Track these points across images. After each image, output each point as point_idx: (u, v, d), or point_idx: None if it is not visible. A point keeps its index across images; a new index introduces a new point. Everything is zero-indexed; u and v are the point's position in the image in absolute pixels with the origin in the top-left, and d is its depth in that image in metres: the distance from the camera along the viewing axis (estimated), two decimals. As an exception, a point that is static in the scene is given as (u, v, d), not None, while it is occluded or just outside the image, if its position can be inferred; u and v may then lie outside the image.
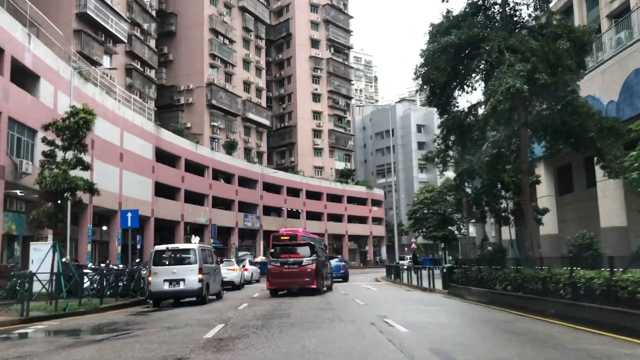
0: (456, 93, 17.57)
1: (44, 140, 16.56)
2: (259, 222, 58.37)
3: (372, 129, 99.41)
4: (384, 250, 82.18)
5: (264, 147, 69.36)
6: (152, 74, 52.15)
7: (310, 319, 12.25)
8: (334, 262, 30.87)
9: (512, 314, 13.01)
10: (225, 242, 55.88)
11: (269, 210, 61.72)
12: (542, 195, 29.00)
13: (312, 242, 22.37)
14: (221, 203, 54.57)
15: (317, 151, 76.78)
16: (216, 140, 59.48)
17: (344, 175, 75.82)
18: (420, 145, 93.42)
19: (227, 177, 55.77)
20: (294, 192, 66.17)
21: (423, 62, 15.91)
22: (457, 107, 17.91)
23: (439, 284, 23.00)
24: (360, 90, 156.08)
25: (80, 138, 16.17)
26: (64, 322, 13.30)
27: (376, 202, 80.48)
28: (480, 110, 18.33)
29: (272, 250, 21.96)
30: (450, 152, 19.39)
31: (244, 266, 30.32)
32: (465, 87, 17.39)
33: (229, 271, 26.12)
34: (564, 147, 18.66)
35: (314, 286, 20.28)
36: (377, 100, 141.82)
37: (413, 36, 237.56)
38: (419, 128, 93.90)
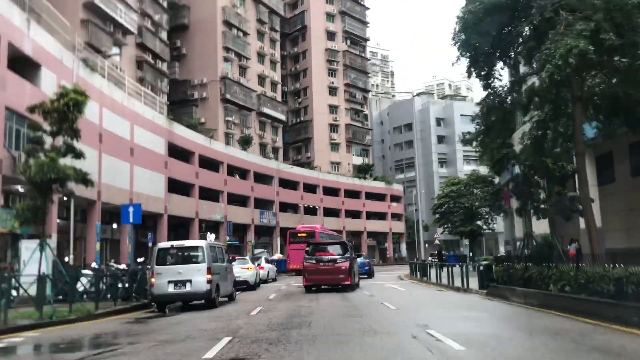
0: (499, 66, 15.23)
1: (30, 125, 14.56)
2: (275, 218, 56.37)
3: (390, 124, 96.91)
4: (403, 247, 79.73)
5: (280, 143, 67.31)
6: (164, 67, 50.32)
7: (336, 331, 10.05)
8: (359, 260, 30.68)
9: (581, 322, 10.65)
10: (241, 239, 53.95)
11: (285, 207, 59.68)
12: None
13: (345, 241, 23.43)
14: (237, 200, 52.65)
15: (334, 146, 74.54)
16: (231, 136, 57.54)
17: (361, 171, 73.51)
18: (440, 139, 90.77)
19: (243, 173, 53.80)
20: (310, 188, 64.05)
21: (461, 26, 13.64)
22: (500, 80, 15.54)
23: (473, 283, 20.69)
24: (377, 85, 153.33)
25: (71, 122, 14.14)
26: (45, 334, 11.20)
27: (395, 198, 78.03)
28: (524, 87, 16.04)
29: (307, 249, 22.41)
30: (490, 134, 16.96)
31: (259, 264, 28.24)
32: (509, 58, 15.04)
33: (243, 270, 24.03)
34: (619, 127, 16.23)
35: (348, 282, 20.99)
36: (393, 96, 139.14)
37: (428, 30, 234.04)
38: (438, 121, 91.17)
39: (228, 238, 50.71)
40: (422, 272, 30.21)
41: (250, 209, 53.62)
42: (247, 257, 25.22)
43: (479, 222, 36.54)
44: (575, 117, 14.55)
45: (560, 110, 16.20)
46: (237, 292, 21.85)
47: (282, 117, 66.66)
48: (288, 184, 60.10)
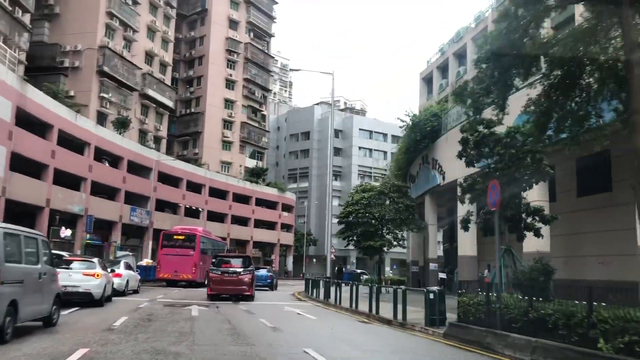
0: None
1: None
2: (149, 218, 47.90)
3: (287, 130, 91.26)
4: (290, 260, 73.76)
5: (164, 132, 58.71)
6: (26, 19, 40.52)
7: None
8: (262, 272, 33.65)
9: None
10: (104, 239, 44.86)
11: (163, 206, 51.32)
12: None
13: (248, 255, 26.07)
14: (103, 191, 43.65)
15: (226, 144, 67.13)
16: (106, 116, 48.39)
17: (254, 174, 66.75)
18: (337, 151, 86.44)
19: (114, 160, 44.94)
20: (195, 187, 56.15)
21: None
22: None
23: (414, 315, 14.90)
24: (275, 93, 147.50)
25: None
26: None
27: (287, 208, 71.99)
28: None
29: (214, 260, 23.61)
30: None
31: (113, 271, 20.54)
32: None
33: (85, 277, 16.39)
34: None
35: (249, 293, 22.23)
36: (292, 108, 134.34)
37: (328, 48, 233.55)
38: (337, 133, 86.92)
39: (88, 235, 41.70)
40: (325, 293, 24.05)
41: (119, 204, 44.78)
42: (95, 260, 17.59)
43: (389, 237, 31.37)
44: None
45: (576, 78, 10.96)
46: (71, 310, 14.36)
47: (170, 103, 58.25)
48: (169, 179, 51.85)
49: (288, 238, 72.02)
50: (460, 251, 25.11)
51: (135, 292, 24.10)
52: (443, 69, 46.62)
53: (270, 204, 68.25)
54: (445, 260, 34.09)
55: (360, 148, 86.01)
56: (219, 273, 21.95)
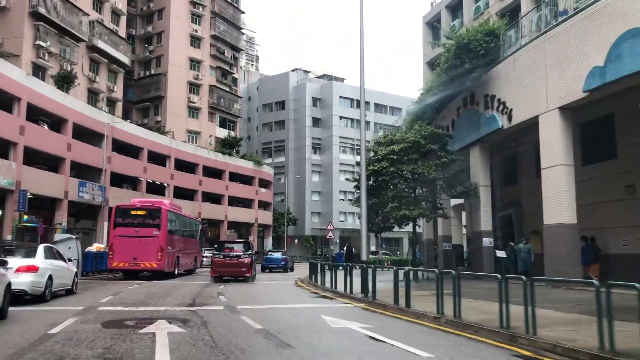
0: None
1: None
2: (103, 194, 38.90)
3: (259, 100, 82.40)
4: (269, 242, 65.48)
5: (119, 94, 49.20)
6: None
7: None
8: (276, 255, 36.06)
9: None
10: (47, 220, 35.82)
11: (120, 180, 42.30)
12: None
13: (248, 241, 26.92)
14: (42, 160, 34.60)
15: (193, 111, 57.99)
16: (44, 70, 38.88)
17: (227, 145, 57.93)
18: (315, 121, 78.22)
19: (56, 123, 35.71)
20: (158, 159, 47.17)
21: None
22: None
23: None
24: (241, 67, 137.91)
25: None
26: None
27: (264, 183, 63.52)
28: None
29: (216, 245, 24.59)
30: None
31: (29, 263, 12.09)
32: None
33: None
34: None
35: (249, 274, 23.34)
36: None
37: (298, 22, 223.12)
38: (315, 101, 78.61)
39: (26, 217, 32.89)
40: (362, 283, 16.00)
41: (63, 177, 35.68)
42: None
43: (424, 204, 23.31)
44: None
45: None
46: None
47: (125, 59, 48.73)
48: (126, 149, 42.79)
49: (266, 217, 63.68)
50: (548, 217, 17.42)
51: (70, 292, 15.59)
52: (454, 7, 38.79)
53: (246, 179, 59.69)
54: (501, 233, 26.06)
55: (341, 118, 77.91)
56: (221, 257, 23.16)
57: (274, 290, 20.53)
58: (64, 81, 37.53)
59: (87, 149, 37.98)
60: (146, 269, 23.54)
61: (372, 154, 24.51)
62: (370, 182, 22.96)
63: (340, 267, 19.53)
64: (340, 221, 75.36)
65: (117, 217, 23.81)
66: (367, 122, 79.91)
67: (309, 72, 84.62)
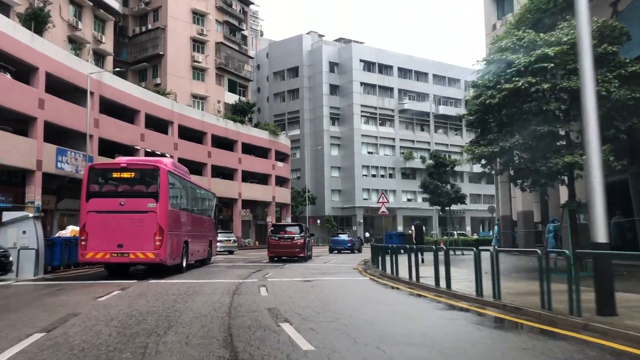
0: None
1: None
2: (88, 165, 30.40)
3: (269, 68, 73.49)
4: (288, 222, 57.08)
5: (109, 47, 40.44)
6: None
7: None
8: (343, 237, 37.12)
9: None
10: (20, 197, 27.58)
11: (110, 149, 33.81)
12: None
13: (301, 224, 26.93)
14: (7, 121, 26.24)
15: (198, 72, 49.30)
16: (7, 6, 30.26)
17: (238, 112, 49.32)
18: (333, 89, 69.38)
19: (23, 72, 27.22)
20: (159, 125, 38.65)
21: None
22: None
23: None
24: (252, 28, 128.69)
25: None
26: None
27: (281, 156, 55.04)
28: None
29: (272, 228, 26.10)
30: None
31: None
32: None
33: None
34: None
35: (302, 255, 24.23)
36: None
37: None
38: (332, 67, 69.69)
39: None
40: (478, 277, 7.69)
41: (35, 142, 27.27)
42: None
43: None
44: None
45: None
46: None
47: (115, 4, 39.90)
48: (118, 110, 34.35)
49: (284, 195, 55.26)
50: None
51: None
52: None
53: (261, 152, 51.21)
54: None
55: (362, 84, 69.01)
56: (277, 239, 24.49)
57: (335, 285, 12.17)
58: (34, 20, 28.86)
59: (67, 108, 29.50)
60: (139, 261, 15.14)
61: (471, 91, 15.66)
62: (487, 117, 14.19)
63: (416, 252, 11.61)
64: (364, 199, 67.00)
65: (92, 183, 15.34)
66: (390, 89, 71.26)
67: (323, 35, 75.46)
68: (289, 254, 24.27)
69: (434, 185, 30.31)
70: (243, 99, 52.47)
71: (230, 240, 34.28)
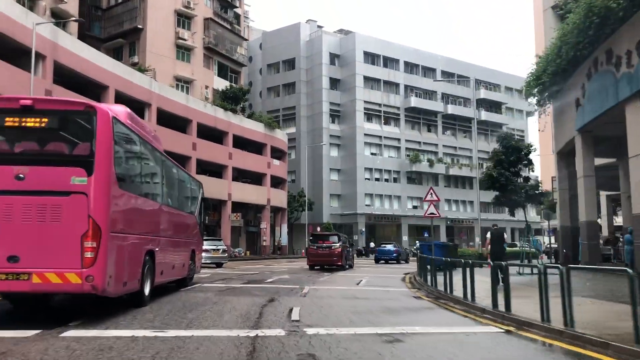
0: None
1: None
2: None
3: (262, 60, 66.34)
4: (284, 230, 49.84)
5: (72, 8, 32.78)
6: None
7: None
8: (388, 247, 36.61)
9: None
10: None
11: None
12: None
13: (339, 234, 27.05)
14: None
15: (183, 52, 41.93)
16: None
17: (229, 98, 41.95)
18: (334, 83, 62.40)
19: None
20: (134, 107, 30.92)
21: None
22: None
23: None
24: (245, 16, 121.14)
25: None
26: None
27: (277, 154, 47.82)
28: None
29: (311, 237, 26.68)
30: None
31: None
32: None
33: None
34: None
35: (340, 263, 24.25)
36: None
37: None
38: (333, 59, 62.72)
39: None
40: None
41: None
42: None
43: None
44: None
45: None
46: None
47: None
48: (80, 84, 26.91)
49: (280, 198, 47.96)
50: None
51: None
52: None
53: (255, 147, 43.93)
54: None
55: (365, 78, 62.10)
56: (315, 248, 24.77)
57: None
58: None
59: (13, 75, 22.06)
60: (51, 288, 7.70)
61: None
62: None
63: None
64: (366, 205, 59.92)
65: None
66: (396, 85, 64.49)
67: (322, 27, 68.47)
68: (327, 262, 24.43)
69: (504, 178, 22.99)
70: (234, 85, 45.10)
71: (218, 250, 26.86)
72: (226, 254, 27.57)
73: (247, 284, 15.38)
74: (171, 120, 34.63)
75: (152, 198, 10.65)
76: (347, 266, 25.38)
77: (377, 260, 35.57)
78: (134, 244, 9.14)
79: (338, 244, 24.49)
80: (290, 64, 63.88)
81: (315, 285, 15.28)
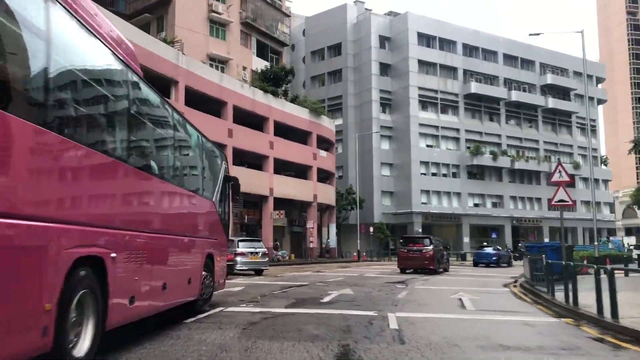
0: None
1: None
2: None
3: (305, 47, 61.24)
4: (332, 230, 44.29)
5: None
6: None
7: None
8: (488, 250, 34.78)
9: None
10: None
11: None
12: None
13: (430, 236, 26.09)
14: None
15: (217, 28, 37.01)
16: None
17: (270, 79, 36.72)
18: (384, 68, 56.53)
19: None
20: (157, 83, 26.25)
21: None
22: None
23: None
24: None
25: None
26: None
27: (324, 143, 42.35)
28: None
29: (401, 241, 26.34)
30: None
31: None
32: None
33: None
34: None
35: (432, 267, 23.48)
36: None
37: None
38: (383, 42, 56.85)
39: None
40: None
41: None
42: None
43: None
44: None
45: None
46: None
47: None
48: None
49: (327, 194, 42.42)
50: None
51: None
52: None
53: (299, 136, 38.58)
54: None
55: (420, 62, 55.94)
56: (406, 251, 24.19)
57: None
58: None
59: None
60: None
61: None
62: None
63: None
64: (422, 203, 53.69)
65: None
66: (454, 69, 58.04)
67: (370, 9, 62.61)
68: (418, 266, 23.78)
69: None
70: (276, 65, 39.79)
71: (257, 254, 21.55)
72: (267, 259, 22.19)
73: (295, 308, 9.85)
74: (202, 102, 29.64)
75: (106, 150, 5.22)
76: (440, 269, 24.83)
77: (475, 264, 34.41)
78: (38, 249, 3.78)
79: (430, 247, 24.01)
80: (336, 49, 58.42)
81: (402, 311, 9.60)
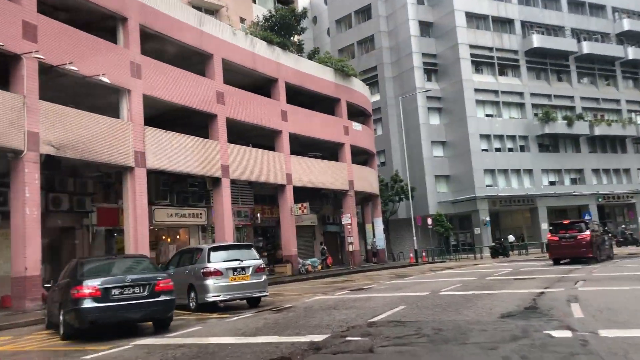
0: None
1: None
2: None
3: (329, 16, 51.68)
4: (378, 226, 34.04)
5: None
6: None
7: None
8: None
9: None
10: None
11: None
12: None
13: (586, 220, 24.21)
14: None
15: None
16: None
17: (278, 28, 26.88)
18: (425, 27, 46.14)
19: None
20: (105, 25, 17.01)
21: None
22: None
23: None
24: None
25: None
26: None
27: (357, 112, 32.28)
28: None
29: (551, 228, 23.71)
30: None
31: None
32: None
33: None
34: None
35: (591, 255, 21.01)
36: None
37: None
38: (421, -2, 46.54)
39: None
40: None
41: None
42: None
43: None
44: None
45: None
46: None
47: None
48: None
49: (368, 179, 32.25)
50: None
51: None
52: None
53: (324, 103, 28.71)
54: None
55: (468, 15, 45.28)
56: (558, 238, 21.98)
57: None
58: None
59: None
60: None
61: None
62: None
63: None
64: (487, 186, 42.91)
65: None
66: (510, 21, 47.09)
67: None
68: (573, 254, 21.19)
69: None
70: (285, 7, 29.85)
71: (245, 271, 11.85)
72: (263, 277, 12.27)
73: None
74: (178, 56, 20.31)
75: None
76: (604, 257, 22.32)
77: None
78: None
79: (587, 232, 21.14)
80: (365, 13, 48.58)
81: None
